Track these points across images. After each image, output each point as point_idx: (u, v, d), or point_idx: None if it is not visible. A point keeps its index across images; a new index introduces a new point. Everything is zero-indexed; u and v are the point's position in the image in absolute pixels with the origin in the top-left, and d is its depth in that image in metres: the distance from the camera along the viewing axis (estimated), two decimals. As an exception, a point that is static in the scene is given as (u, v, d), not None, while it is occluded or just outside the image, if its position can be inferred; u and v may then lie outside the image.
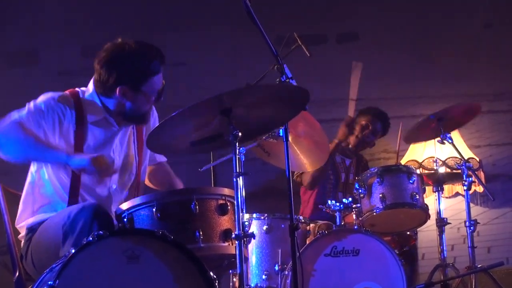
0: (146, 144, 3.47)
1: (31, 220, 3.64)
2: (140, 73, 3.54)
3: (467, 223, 4.85)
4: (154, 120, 3.84)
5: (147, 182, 3.92)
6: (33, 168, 3.68)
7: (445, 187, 5.50)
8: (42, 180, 3.65)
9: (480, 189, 5.95)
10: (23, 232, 3.68)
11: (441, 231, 5.01)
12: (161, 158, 3.98)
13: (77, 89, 3.69)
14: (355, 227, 4.58)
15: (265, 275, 4.37)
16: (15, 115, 3.51)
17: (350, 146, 5.76)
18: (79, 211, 3.30)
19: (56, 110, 3.54)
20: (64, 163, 3.46)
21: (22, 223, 3.68)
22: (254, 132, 3.59)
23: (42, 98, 3.58)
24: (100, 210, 3.33)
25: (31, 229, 3.62)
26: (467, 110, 5.12)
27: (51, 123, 3.53)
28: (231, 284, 4.46)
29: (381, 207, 4.61)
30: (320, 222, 4.96)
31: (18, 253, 3.71)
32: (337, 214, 4.55)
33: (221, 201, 3.41)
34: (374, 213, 4.62)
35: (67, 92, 3.66)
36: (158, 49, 3.59)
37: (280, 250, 4.36)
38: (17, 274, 3.66)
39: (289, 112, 3.45)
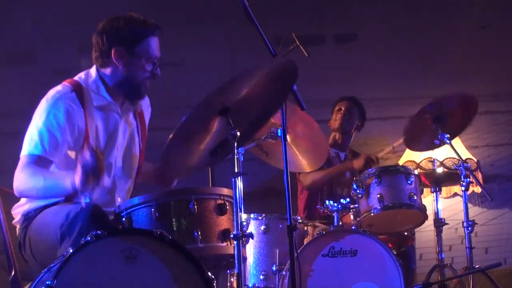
0: (166, 172, 3.53)
1: (27, 207, 3.60)
2: (134, 33, 3.58)
3: (465, 223, 4.85)
4: (148, 108, 3.89)
5: None
6: None
7: (443, 187, 5.50)
8: None
9: (478, 189, 5.95)
10: (17, 218, 3.65)
11: (439, 232, 5.01)
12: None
13: (76, 78, 3.67)
14: (353, 227, 4.58)
15: (262, 275, 4.36)
16: (25, 158, 3.48)
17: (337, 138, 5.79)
18: (77, 213, 3.28)
19: (71, 115, 3.51)
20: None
21: (18, 209, 3.65)
22: (255, 126, 3.56)
23: (49, 107, 3.52)
24: (98, 212, 3.31)
25: (27, 217, 3.59)
26: (463, 104, 5.10)
27: (70, 130, 3.51)
28: (229, 284, 4.46)
29: (379, 207, 4.61)
30: (319, 224, 4.96)
31: (14, 253, 3.70)
32: (335, 214, 4.55)
33: (219, 201, 3.41)
34: (372, 214, 4.62)
35: (68, 85, 3.61)
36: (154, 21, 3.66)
37: (277, 250, 4.36)
38: (13, 273, 3.65)
39: (282, 91, 3.39)
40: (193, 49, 6.25)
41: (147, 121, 3.88)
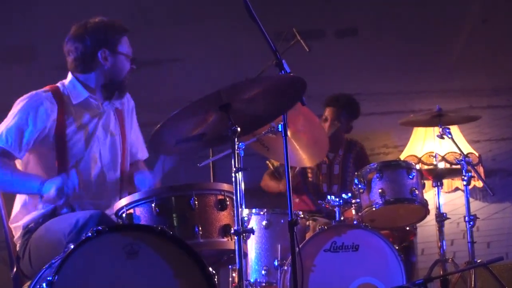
0: (149, 143, 3.52)
1: (27, 218, 3.65)
2: (111, 34, 3.72)
3: (466, 218, 4.85)
4: (132, 107, 3.95)
5: None
6: (19, 166, 3.73)
7: (445, 182, 5.50)
8: None
9: (479, 184, 5.94)
10: (18, 233, 3.69)
11: (440, 226, 5.01)
12: (142, 155, 4.02)
13: (56, 84, 3.79)
14: (355, 222, 4.57)
15: (264, 271, 4.37)
16: None
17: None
18: (86, 220, 3.34)
19: (36, 107, 3.63)
20: (38, 192, 3.51)
21: (18, 223, 3.69)
22: (253, 125, 3.59)
23: (19, 105, 3.66)
24: (105, 219, 3.37)
25: (28, 230, 3.63)
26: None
27: (34, 123, 3.61)
28: (230, 279, 4.46)
29: (381, 202, 4.60)
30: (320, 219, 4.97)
31: (16, 250, 3.70)
32: (336, 209, 4.55)
33: (220, 197, 3.41)
34: (374, 209, 4.61)
35: (46, 87, 3.75)
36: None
37: (279, 246, 4.36)
38: (15, 270, 3.65)
39: (287, 102, 3.44)
40: (193, 45, 6.24)
41: (127, 115, 3.93)
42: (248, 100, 3.33)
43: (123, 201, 3.43)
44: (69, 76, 3.78)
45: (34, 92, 3.71)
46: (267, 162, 5.44)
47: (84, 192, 3.58)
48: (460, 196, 5.98)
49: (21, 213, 3.69)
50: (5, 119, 3.66)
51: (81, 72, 3.75)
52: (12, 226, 3.72)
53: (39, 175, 3.62)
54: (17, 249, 3.68)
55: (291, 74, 3.34)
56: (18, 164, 3.72)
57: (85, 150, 3.70)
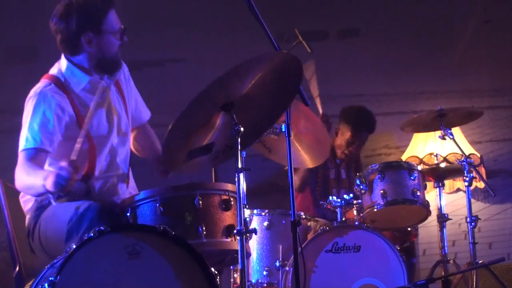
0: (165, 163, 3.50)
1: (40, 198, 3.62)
2: (95, 13, 3.61)
3: (468, 219, 4.85)
4: (127, 72, 3.90)
5: (131, 147, 3.93)
6: None
7: (446, 183, 5.51)
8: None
9: (481, 184, 5.94)
10: (29, 204, 3.65)
11: (442, 227, 5.02)
12: (146, 116, 4.00)
13: (50, 73, 3.71)
14: (356, 223, 4.57)
15: (266, 271, 4.37)
16: (21, 155, 3.52)
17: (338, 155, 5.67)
18: (87, 207, 3.34)
19: (48, 102, 3.56)
20: (45, 191, 3.43)
21: (29, 194, 3.64)
22: (258, 127, 3.57)
23: (30, 104, 3.59)
24: (107, 208, 3.36)
25: (41, 205, 3.60)
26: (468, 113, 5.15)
27: (54, 117, 3.54)
28: (232, 280, 4.46)
29: (382, 203, 4.61)
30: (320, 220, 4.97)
31: (18, 249, 3.70)
32: (338, 210, 4.55)
33: (224, 197, 3.41)
34: (375, 209, 4.62)
35: (45, 80, 3.67)
36: None
37: (280, 246, 4.36)
38: (17, 269, 3.66)
39: (288, 92, 3.39)
40: (195, 45, 6.24)
41: (124, 83, 3.88)
42: (248, 96, 3.31)
43: (127, 201, 3.43)
44: (63, 60, 3.70)
45: (37, 89, 3.63)
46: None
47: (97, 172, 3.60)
48: (461, 197, 5.99)
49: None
50: (22, 125, 3.59)
51: (71, 54, 3.67)
52: (22, 199, 3.69)
53: (43, 170, 3.55)
54: (27, 221, 3.65)
55: (283, 51, 3.31)
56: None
57: (110, 129, 3.68)
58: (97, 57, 3.64)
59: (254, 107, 3.38)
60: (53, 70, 3.72)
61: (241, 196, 3.19)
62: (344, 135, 5.57)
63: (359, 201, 4.66)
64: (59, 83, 3.64)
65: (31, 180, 3.43)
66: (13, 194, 3.78)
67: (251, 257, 4.34)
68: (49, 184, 3.28)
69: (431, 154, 5.85)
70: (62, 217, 3.40)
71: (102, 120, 3.66)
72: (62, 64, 3.70)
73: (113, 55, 3.68)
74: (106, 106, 3.70)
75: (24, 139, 3.53)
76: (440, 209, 5.04)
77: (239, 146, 3.22)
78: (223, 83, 3.21)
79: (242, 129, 3.22)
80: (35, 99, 3.58)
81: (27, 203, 3.68)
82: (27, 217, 3.66)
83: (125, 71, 3.89)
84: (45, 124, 3.52)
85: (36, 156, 3.51)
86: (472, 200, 4.99)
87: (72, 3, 3.61)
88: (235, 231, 3.23)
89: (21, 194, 3.71)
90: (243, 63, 3.22)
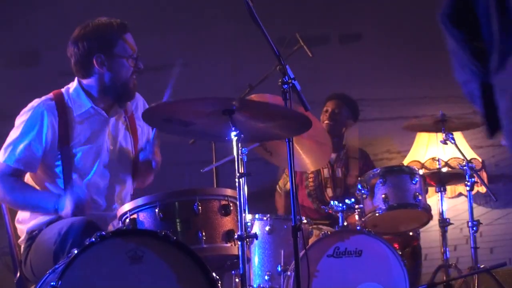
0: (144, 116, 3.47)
1: (32, 223, 3.65)
2: (108, 37, 3.62)
3: (469, 223, 4.85)
4: (143, 105, 3.89)
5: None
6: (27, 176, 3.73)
7: (448, 187, 5.49)
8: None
9: (482, 189, 5.93)
10: (23, 236, 3.69)
11: (443, 232, 5.01)
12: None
13: (62, 89, 3.74)
14: (358, 227, 4.57)
15: (267, 276, 4.36)
16: (2, 166, 3.58)
17: None
18: (68, 228, 3.34)
19: (41, 120, 3.60)
20: (53, 211, 3.53)
21: (22, 226, 3.69)
22: (254, 136, 3.61)
23: (22, 117, 3.64)
24: (91, 225, 3.35)
25: (31, 236, 3.63)
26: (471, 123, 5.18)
27: (40, 137, 3.59)
28: (233, 284, 4.45)
29: (384, 207, 4.60)
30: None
31: (19, 255, 3.70)
32: (339, 214, 4.55)
33: (224, 202, 3.40)
34: (377, 214, 4.61)
35: (51, 94, 3.71)
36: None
37: (282, 251, 4.35)
38: (18, 274, 3.66)
39: (289, 131, 3.48)
40: (195, 49, 6.24)
41: (138, 116, 3.85)
42: (251, 116, 3.34)
43: (126, 207, 3.43)
44: (75, 82, 3.74)
45: (38, 101, 3.66)
46: (277, 186, 5.53)
47: (94, 203, 3.61)
48: (463, 202, 5.98)
49: (28, 215, 3.67)
50: (11, 133, 3.63)
51: (82, 77, 3.69)
52: (17, 226, 3.72)
53: (48, 191, 3.62)
54: (21, 251, 3.69)
55: (300, 112, 3.36)
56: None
57: (94, 163, 3.68)
58: (107, 80, 3.64)
59: (254, 123, 3.41)
60: (65, 87, 3.75)
61: (242, 201, 3.19)
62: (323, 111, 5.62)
63: (361, 205, 4.65)
64: (61, 102, 3.65)
65: (14, 196, 3.56)
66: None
67: (253, 262, 4.34)
68: (69, 207, 3.40)
69: (432, 158, 5.84)
70: (47, 242, 3.43)
71: (88, 155, 3.67)
72: (73, 84, 3.73)
73: (124, 80, 3.67)
74: (98, 141, 3.70)
75: (8, 152, 3.57)
76: (441, 213, 5.04)
77: (239, 151, 3.23)
78: (230, 100, 3.24)
79: (242, 136, 3.23)
80: (29, 114, 3.61)
81: (21, 233, 3.71)
82: (22, 246, 3.69)
83: (140, 103, 3.88)
84: (31, 145, 3.56)
85: (15, 173, 3.59)
86: (474, 205, 4.98)
87: (88, 25, 3.65)
88: (235, 236, 3.23)
89: (17, 218, 3.73)
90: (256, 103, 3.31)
